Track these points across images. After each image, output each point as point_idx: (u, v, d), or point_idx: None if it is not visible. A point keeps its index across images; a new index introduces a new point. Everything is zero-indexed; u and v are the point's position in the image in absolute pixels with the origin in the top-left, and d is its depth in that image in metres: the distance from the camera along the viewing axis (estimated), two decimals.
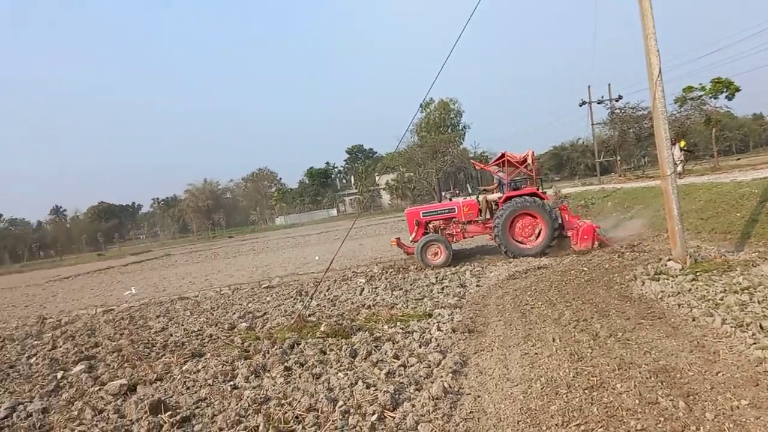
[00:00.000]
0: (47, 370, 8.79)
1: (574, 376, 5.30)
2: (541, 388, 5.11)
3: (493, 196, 16.12)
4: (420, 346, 7.19)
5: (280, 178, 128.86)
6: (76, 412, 6.37)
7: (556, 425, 4.33)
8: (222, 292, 15.80)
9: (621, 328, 6.77)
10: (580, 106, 46.81)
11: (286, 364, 7.09)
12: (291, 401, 5.67)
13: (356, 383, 5.94)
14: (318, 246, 32.27)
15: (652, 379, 4.97)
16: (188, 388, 6.74)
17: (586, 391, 4.89)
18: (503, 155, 15.77)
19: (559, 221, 14.75)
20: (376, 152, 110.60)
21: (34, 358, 9.87)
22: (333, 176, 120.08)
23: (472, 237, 16.75)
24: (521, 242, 14.85)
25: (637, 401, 4.56)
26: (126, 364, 8.43)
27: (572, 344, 6.36)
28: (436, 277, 12.76)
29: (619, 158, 48.99)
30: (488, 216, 15.95)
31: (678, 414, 4.25)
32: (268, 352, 7.79)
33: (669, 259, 10.06)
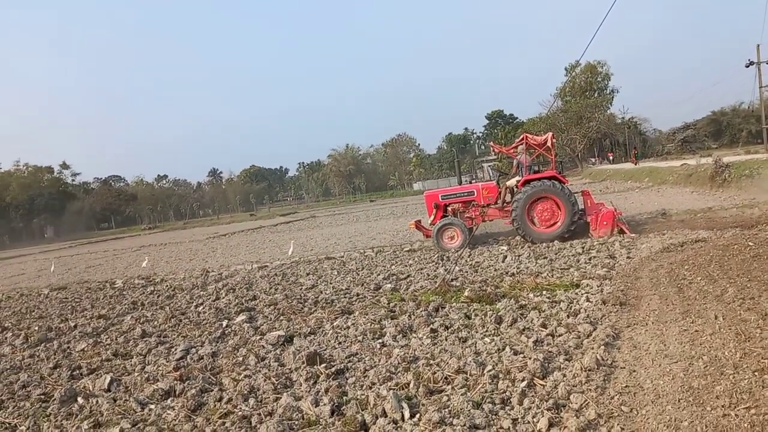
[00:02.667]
0: (213, 318, 9.60)
1: (741, 357, 4.94)
2: (704, 367, 4.83)
3: (513, 180, 15.46)
4: (568, 317, 7.04)
5: (419, 144, 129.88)
6: (241, 358, 6.92)
7: (723, 406, 4.08)
8: (366, 254, 16.31)
9: None
10: (747, 67, 42.61)
11: (431, 326, 7.24)
12: (439, 362, 5.80)
13: (503, 349, 5.95)
14: None
15: None
16: (340, 343, 7.08)
17: (756, 374, 4.55)
18: (524, 137, 15.31)
19: (580, 206, 14.35)
20: (517, 118, 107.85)
21: (201, 307, 10.80)
22: (472, 142, 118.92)
23: (492, 220, 16.16)
24: (539, 226, 14.39)
25: None
26: (282, 317, 9.01)
27: (738, 323, 5.92)
28: (583, 247, 12.33)
29: None
30: (508, 200, 15.32)
31: None
32: (414, 314, 7.99)
33: None
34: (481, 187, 15.87)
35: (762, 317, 6.01)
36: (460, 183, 17.11)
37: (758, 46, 42.07)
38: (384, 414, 4.60)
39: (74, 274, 23.25)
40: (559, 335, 6.31)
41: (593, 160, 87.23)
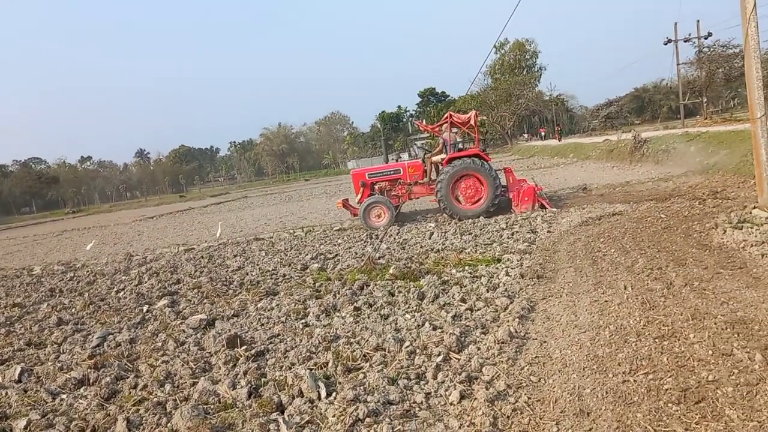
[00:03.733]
0: (134, 303, 9.35)
1: (644, 325, 5.19)
2: (610, 336, 5.05)
3: (438, 158, 15.83)
4: (487, 291, 7.21)
5: (352, 122, 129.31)
6: (160, 343, 6.78)
7: (624, 372, 4.28)
8: (295, 234, 16.21)
9: (698, 277, 6.54)
10: (665, 44, 44.13)
11: (355, 304, 7.28)
12: (359, 340, 5.84)
13: (423, 325, 6.05)
14: None
15: (728, 330, 4.80)
16: (263, 325, 7.03)
17: (657, 341, 4.79)
18: (449, 116, 15.56)
19: (502, 182, 14.78)
20: (449, 95, 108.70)
21: (122, 293, 10.49)
22: (405, 120, 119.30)
23: (418, 198, 16.47)
24: (464, 203, 14.73)
25: (710, 352, 4.43)
26: (205, 300, 8.87)
27: (645, 293, 6.21)
28: (506, 223, 12.63)
29: (705, 100, 46.28)
30: (433, 177, 15.75)
31: (753, 367, 4.11)
32: (339, 293, 8.01)
33: (755, 207, 9.55)
34: (407, 165, 16.10)
35: (667, 286, 6.32)
36: (386, 161, 17.13)
37: (675, 24, 43.59)
38: (300, 394, 4.61)
39: None
40: (478, 309, 6.46)
41: (525, 136, 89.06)
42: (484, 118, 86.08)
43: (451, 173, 14.50)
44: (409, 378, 4.70)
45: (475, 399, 4.16)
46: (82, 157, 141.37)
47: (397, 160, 17.15)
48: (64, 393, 5.52)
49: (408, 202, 15.89)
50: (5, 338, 8.14)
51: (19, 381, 6.11)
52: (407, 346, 5.34)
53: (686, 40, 43.43)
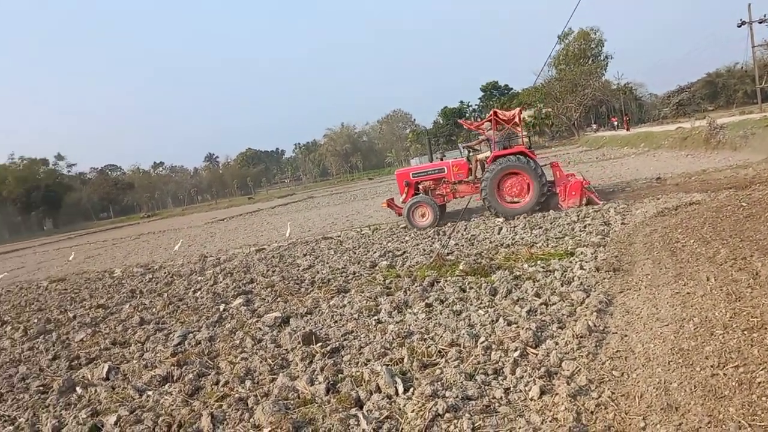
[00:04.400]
0: (211, 303, 9.62)
1: (731, 317, 4.96)
2: (694, 329, 4.85)
3: (482, 156, 15.57)
4: (562, 285, 7.06)
5: (414, 119, 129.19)
6: (238, 341, 6.96)
7: (712, 366, 4.10)
8: (362, 232, 16.32)
9: None
10: (739, 27, 42.17)
11: (426, 300, 7.26)
12: (433, 336, 5.83)
13: (497, 320, 5.98)
14: None
15: None
16: (336, 322, 7.12)
17: (745, 333, 4.57)
18: (493, 113, 15.24)
19: (547, 179, 14.48)
20: (512, 88, 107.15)
21: (198, 292, 10.82)
22: (467, 115, 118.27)
23: (463, 197, 16.20)
24: (510, 201, 14.54)
25: None
26: (279, 299, 9.04)
27: (729, 284, 5.93)
28: (578, 216, 12.34)
29: None
30: (479, 175, 15.39)
31: None
32: (409, 289, 8.01)
33: None
34: (451, 164, 15.94)
35: (753, 277, 6.02)
36: (431, 160, 17.16)
37: (749, 5, 41.61)
38: (378, 390, 4.64)
39: (73, 264, 23.28)
40: (553, 304, 6.33)
41: (593, 126, 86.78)
42: (550, 110, 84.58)
43: (496, 171, 14.37)
44: (487, 373, 4.66)
45: (556, 394, 4.08)
46: (154, 162, 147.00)
47: (441, 159, 16.99)
48: (150, 390, 5.74)
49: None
50: (92, 338, 8.52)
51: (107, 378, 6.39)
52: (483, 342, 5.29)
53: (761, 21, 41.37)
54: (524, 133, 15.61)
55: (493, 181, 14.35)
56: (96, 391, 5.97)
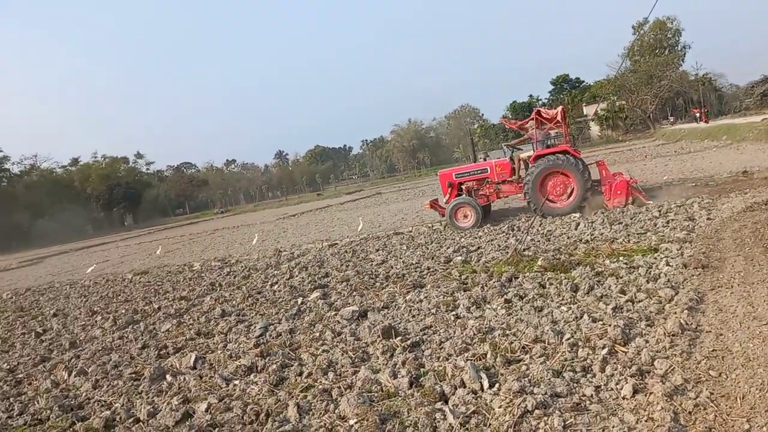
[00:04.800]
0: (288, 296, 9.81)
1: None
2: None
3: (525, 155, 15.44)
4: (648, 282, 6.83)
5: (482, 114, 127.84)
6: (317, 334, 7.06)
7: None
8: (434, 228, 16.26)
9: None
10: None
11: (505, 296, 7.17)
12: (515, 332, 5.75)
13: (581, 317, 5.84)
14: None
15: None
16: (413, 316, 7.12)
17: None
18: (536, 112, 15.25)
19: (591, 178, 14.25)
20: (584, 81, 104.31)
21: (276, 286, 11.06)
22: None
23: (507, 197, 16.09)
24: (553, 201, 14.40)
25: None
26: (354, 293, 9.12)
27: None
28: (660, 211, 11.91)
29: None
30: (522, 175, 15.19)
31: None
32: (486, 285, 7.93)
33: None
34: (494, 164, 15.86)
35: None
36: (475, 160, 16.76)
37: None
38: (463, 384, 4.61)
39: (154, 258, 24.24)
40: (639, 301, 6.13)
41: (670, 119, 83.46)
42: (624, 103, 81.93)
43: (539, 171, 14.25)
44: (575, 371, 4.56)
45: (651, 393, 3.95)
46: (227, 160, 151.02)
47: (485, 159, 16.68)
48: (236, 379, 5.91)
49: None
50: (177, 328, 8.84)
51: (194, 367, 6.62)
52: (568, 339, 5.18)
53: None
54: (567, 132, 15.39)
55: (536, 181, 14.25)
56: (185, 379, 6.19)
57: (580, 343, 5.07)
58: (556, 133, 15.77)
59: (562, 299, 6.74)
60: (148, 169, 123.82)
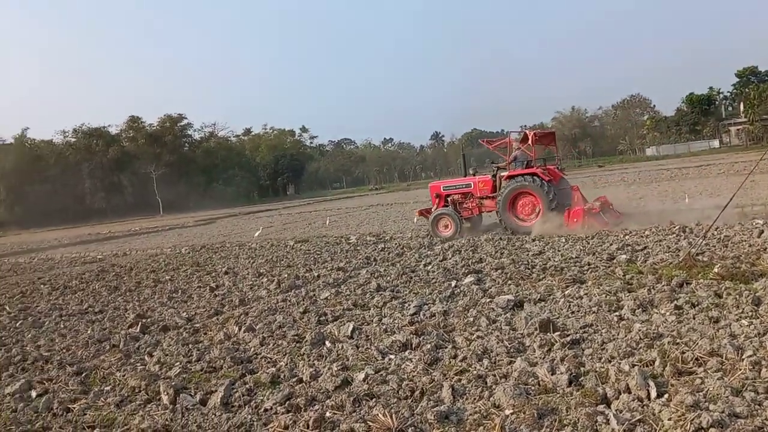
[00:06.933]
0: (442, 278, 9.88)
1: None
2: None
3: (505, 173, 16.25)
4: None
5: (654, 105, 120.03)
6: (471, 319, 7.05)
7: None
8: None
9: None
10: None
11: (675, 302, 6.70)
12: (687, 342, 5.35)
13: (765, 334, 5.32)
14: (697, 180, 29.42)
15: None
16: (573, 312, 6.88)
17: None
18: (530, 134, 16.18)
19: (556, 201, 14.89)
20: None
21: (429, 266, 11.20)
22: (717, 103, 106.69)
23: (489, 212, 16.97)
24: (521, 219, 15.40)
25: None
26: (509, 282, 8.99)
27: None
28: None
29: None
30: None
31: None
32: (654, 288, 7.48)
33: None
34: (477, 180, 17.04)
35: None
36: (465, 175, 18.01)
37: None
38: (627, 390, 4.39)
39: (314, 228, 25.49)
40: None
41: (471, 170, 73.13)
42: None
43: (508, 190, 15.39)
44: (757, 391, 4.15)
45: None
46: (384, 138, 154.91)
47: (474, 175, 17.76)
48: (391, 353, 6.07)
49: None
50: (335, 298, 9.24)
51: (351, 337, 6.89)
52: (750, 356, 4.73)
53: None
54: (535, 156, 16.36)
55: (506, 199, 15.36)
56: (342, 347, 6.46)
57: (764, 362, 4.61)
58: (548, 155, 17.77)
59: (742, 312, 6.16)
60: (311, 142, 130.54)
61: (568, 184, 16.14)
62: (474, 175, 17.88)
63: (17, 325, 9.97)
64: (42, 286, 14.71)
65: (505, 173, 16.32)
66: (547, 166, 16.38)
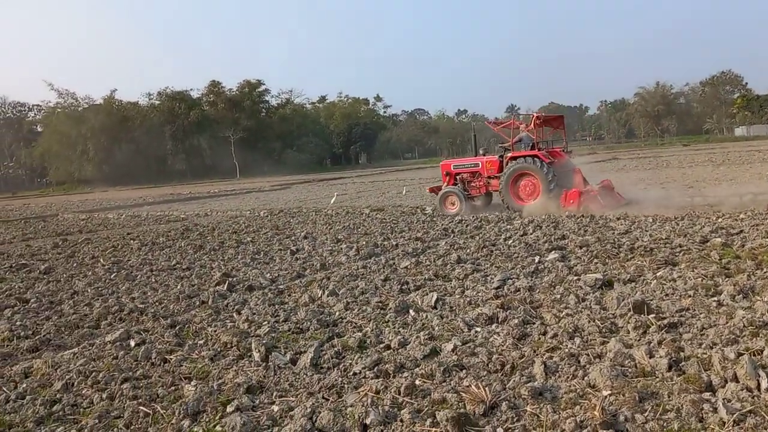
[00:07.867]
0: (524, 252, 9.69)
1: None
2: None
3: (510, 155, 16.70)
4: None
5: (746, 83, 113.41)
6: (559, 296, 6.88)
7: None
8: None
9: None
10: None
11: None
12: None
13: None
14: None
15: None
16: (667, 295, 6.60)
17: None
18: (538, 117, 16.84)
19: (555, 183, 15.37)
20: None
21: (510, 241, 11.01)
22: None
23: (495, 191, 17.24)
24: (522, 199, 15.95)
25: None
26: (596, 260, 8.73)
27: None
28: None
29: None
30: None
31: None
32: (754, 274, 7.09)
33: None
34: (485, 161, 17.49)
35: None
36: (475, 154, 18.38)
37: None
38: (735, 379, 4.17)
39: (388, 198, 25.54)
40: None
41: (482, 150, 66.89)
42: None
43: (510, 171, 16.00)
44: None
45: None
46: (458, 110, 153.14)
47: (484, 155, 18.46)
48: (477, 326, 6.00)
49: None
50: (416, 267, 9.22)
51: (435, 307, 6.86)
52: None
53: None
54: (539, 137, 16.97)
55: (509, 179, 16.00)
56: (427, 317, 6.45)
57: None
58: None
59: None
60: (385, 112, 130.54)
61: (572, 167, 16.43)
62: (484, 155, 18.45)
63: (111, 277, 10.47)
64: (131, 241, 15.37)
65: (510, 154, 16.79)
66: (553, 149, 17.18)
